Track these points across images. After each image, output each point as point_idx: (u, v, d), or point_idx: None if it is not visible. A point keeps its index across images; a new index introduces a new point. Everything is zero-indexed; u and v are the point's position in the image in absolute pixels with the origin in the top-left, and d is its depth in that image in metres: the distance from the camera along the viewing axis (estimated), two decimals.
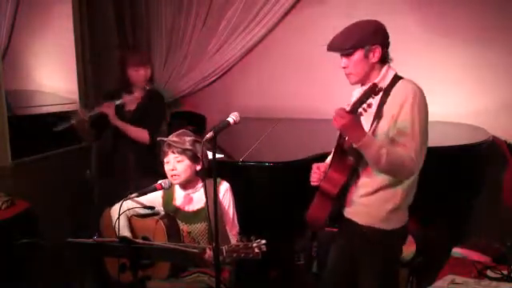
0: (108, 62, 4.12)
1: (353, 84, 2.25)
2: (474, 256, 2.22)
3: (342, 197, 2.23)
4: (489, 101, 3.69)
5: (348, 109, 1.98)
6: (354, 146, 2.04)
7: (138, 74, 3.31)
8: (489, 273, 2.03)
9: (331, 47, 2.20)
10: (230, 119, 2.16)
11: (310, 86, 4.17)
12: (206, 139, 2.09)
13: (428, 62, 3.76)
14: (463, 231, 3.38)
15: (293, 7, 4.15)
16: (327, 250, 2.58)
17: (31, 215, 2.92)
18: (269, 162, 3.07)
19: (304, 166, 2.93)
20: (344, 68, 2.20)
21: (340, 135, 2.18)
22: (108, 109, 3.21)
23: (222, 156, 3.18)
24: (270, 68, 4.33)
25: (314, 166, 2.34)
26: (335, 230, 2.51)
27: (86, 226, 3.19)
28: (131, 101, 3.34)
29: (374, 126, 2.13)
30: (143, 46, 4.41)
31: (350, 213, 2.28)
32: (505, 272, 2.00)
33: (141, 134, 3.26)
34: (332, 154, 2.26)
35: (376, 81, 2.15)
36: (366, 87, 2.14)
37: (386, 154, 2.00)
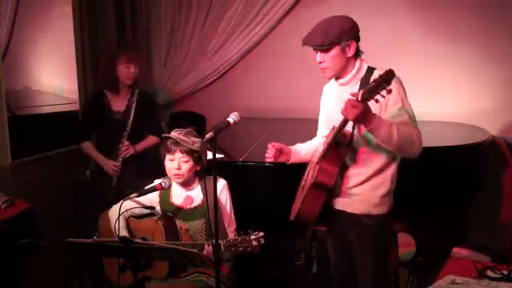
0: (108, 61, 4.12)
1: (329, 78, 2.34)
2: (474, 256, 2.21)
3: (333, 189, 2.28)
4: (488, 101, 3.69)
5: (360, 97, 1.95)
6: (365, 129, 2.07)
7: (128, 72, 3.34)
8: (489, 273, 2.03)
9: (308, 42, 2.25)
10: (230, 119, 2.17)
11: (311, 86, 4.14)
12: (206, 139, 2.10)
13: (427, 63, 3.76)
14: (463, 231, 3.38)
15: (293, 7, 4.15)
16: (327, 250, 2.59)
17: (31, 215, 2.91)
18: (269, 162, 3.07)
19: (304, 165, 2.94)
20: (320, 63, 2.26)
21: (338, 129, 2.18)
22: (128, 151, 3.32)
23: (222, 156, 3.18)
24: (270, 68, 4.32)
25: (270, 145, 2.46)
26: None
27: (86, 226, 3.20)
28: (118, 101, 3.39)
29: None
30: (143, 46, 4.41)
31: (342, 204, 2.33)
32: (505, 272, 2.00)
33: (153, 142, 3.42)
34: (326, 146, 2.25)
35: (352, 73, 2.26)
36: (375, 76, 2.13)
37: (396, 130, 2.06)
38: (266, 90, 4.34)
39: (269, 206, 2.98)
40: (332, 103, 2.42)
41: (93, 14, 3.98)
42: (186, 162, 2.55)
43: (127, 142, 3.31)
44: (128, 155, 3.32)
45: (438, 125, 3.68)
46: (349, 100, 1.99)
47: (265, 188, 3.06)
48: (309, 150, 2.55)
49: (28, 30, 3.76)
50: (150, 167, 3.12)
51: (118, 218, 2.42)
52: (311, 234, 3.32)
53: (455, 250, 2.31)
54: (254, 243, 2.17)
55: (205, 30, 4.36)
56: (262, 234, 2.19)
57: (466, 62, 3.72)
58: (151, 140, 3.44)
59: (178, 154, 2.54)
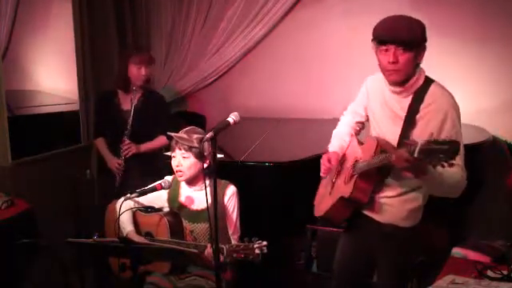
0: (108, 61, 4.13)
1: (395, 81, 2.08)
2: (474, 256, 2.21)
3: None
4: (489, 101, 3.69)
5: (416, 154, 1.72)
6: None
7: (139, 73, 3.32)
8: (489, 273, 2.03)
9: (395, 38, 1.97)
10: (230, 119, 2.16)
11: (310, 86, 4.17)
12: (206, 139, 2.10)
13: (427, 62, 3.71)
14: (463, 231, 3.38)
15: (292, 7, 4.15)
16: (327, 250, 2.58)
17: (31, 215, 2.92)
18: (269, 162, 3.07)
19: (304, 165, 2.95)
20: (393, 63, 2.01)
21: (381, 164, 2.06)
22: (130, 149, 3.29)
23: (222, 156, 3.18)
24: (269, 68, 4.33)
25: (325, 158, 2.32)
26: (336, 230, 2.51)
27: (86, 226, 3.20)
28: (128, 100, 3.35)
29: (404, 133, 2.09)
30: (143, 45, 4.42)
31: (369, 210, 2.27)
32: (505, 272, 2.00)
33: (162, 142, 3.36)
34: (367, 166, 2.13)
35: (411, 82, 2.10)
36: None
37: (445, 182, 2.00)
38: (265, 90, 4.34)
39: (269, 206, 2.98)
40: (377, 104, 2.24)
41: (93, 14, 3.98)
42: (185, 158, 2.56)
43: (128, 141, 3.29)
44: (130, 154, 3.30)
45: None
46: (402, 153, 1.82)
47: (265, 188, 3.06)
48: (346, 143, 2.44)
49: (28, 30, 3.76)
50: (155, 168, 3.10)
51: (118, 217, 2.42)
52: (311, 234, 3.32)
53: (455, 249, 2.30)
54: (257, 251, 2.18)
55: (205, 29, 4.36)
56: (265, 243, 2.20)
57: (466, 62, 3.72)
58: (159, 141, 3.38)
59: (178, 151, 2.57)
